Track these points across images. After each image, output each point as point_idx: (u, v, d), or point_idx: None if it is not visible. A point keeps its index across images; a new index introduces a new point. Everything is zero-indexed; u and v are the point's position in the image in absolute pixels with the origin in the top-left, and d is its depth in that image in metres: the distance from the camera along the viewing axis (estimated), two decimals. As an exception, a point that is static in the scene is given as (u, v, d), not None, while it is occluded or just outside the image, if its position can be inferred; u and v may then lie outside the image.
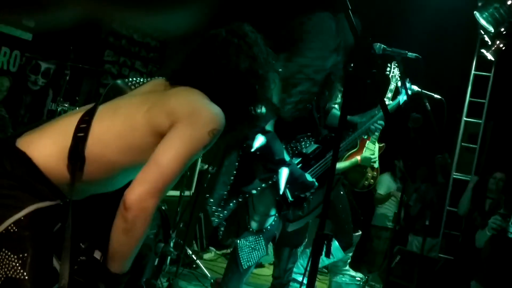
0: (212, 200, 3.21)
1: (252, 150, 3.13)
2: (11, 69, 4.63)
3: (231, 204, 3.26)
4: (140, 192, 1.61)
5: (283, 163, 3.21)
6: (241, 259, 3.30)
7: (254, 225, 3.37)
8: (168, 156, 1.66)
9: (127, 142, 1.74)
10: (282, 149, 3.25)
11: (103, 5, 4.34)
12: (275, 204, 3.35)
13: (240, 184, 3.24)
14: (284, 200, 3.31)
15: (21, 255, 1.59)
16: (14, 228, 1.60)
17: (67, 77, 4.08)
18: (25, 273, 1.58)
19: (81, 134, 1.71)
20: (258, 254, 3.35)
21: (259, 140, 3.14)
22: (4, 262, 1.58)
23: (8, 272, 1.58)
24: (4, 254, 1.59)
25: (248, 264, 3.31)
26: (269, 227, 3.38)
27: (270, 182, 3.24)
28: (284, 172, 3.20)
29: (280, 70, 2.96)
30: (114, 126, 1.75)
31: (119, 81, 2.04)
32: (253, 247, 3.32)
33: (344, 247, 4.01)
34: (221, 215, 3.25)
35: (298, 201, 3.35)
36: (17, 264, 1.58)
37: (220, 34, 1.94)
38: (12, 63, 4.52)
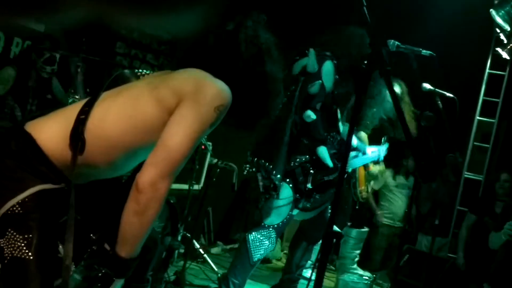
0: (278, 175, 3.32)
1: (309, 121, 3.30)
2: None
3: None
4: (152, 175, 1.63)
5: (324, 142, 3.37)
6: (252, 252, 3.33)
7: (266, 219, 3.38)
8: (177, 137, 1.66)
9: (130, 120, 1.74)
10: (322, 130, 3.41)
11: (113, 8, 4.33)
12: (293, 198, 3.37)
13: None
14: (302, 187, 3.35)
15: (26, 236, 1.60)
16: (18, 208, 1.61)
17: (79, 69, 4.07)
18: (30, 253, 1.60)
19: (83, 116, 1.72)
20: (268, 247, 3.37)
21: (311, 115, 3.31)
22: (10, 242, 1.60)
23: (13, 252, 1.60)
24: (10, 234, 1.60)
25: (258, 257, 3.34)
26: (281, 223, 3.38)
27: (303, 160, 3.36)
28: (324, 150, 3.35)
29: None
30: (115, 106, 1.76)
31: (126, 71, 2.06)
32: (264, 241, 3.34)
33: (339, 226, 4.15)
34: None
35: (313, 191, 3.41)
36: (22, 244, 1.60)
37: (228, 25, 1.96)
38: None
